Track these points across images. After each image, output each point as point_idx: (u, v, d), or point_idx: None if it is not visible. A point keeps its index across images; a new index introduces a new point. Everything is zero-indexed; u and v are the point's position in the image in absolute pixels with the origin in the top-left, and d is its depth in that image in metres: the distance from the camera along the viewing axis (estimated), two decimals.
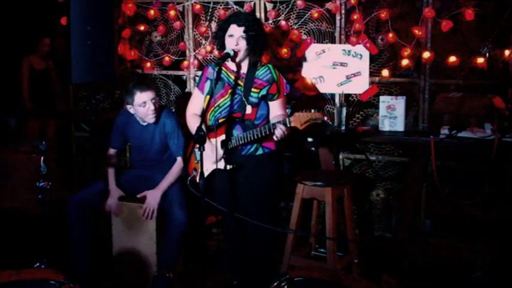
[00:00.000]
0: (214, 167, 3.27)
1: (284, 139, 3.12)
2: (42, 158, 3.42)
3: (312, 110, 3.01)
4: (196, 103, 3.45)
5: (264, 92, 3.26)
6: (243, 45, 3.20)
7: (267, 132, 3.08)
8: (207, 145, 3.12)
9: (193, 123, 3.38)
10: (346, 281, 2.29)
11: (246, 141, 3.19)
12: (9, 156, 4.52)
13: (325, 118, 3.00)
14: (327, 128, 4.08)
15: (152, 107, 3.72)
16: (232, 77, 3.30)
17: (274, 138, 3.09)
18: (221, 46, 3.30)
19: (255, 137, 3.14)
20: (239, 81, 3.29)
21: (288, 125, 2.99)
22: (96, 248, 3.90)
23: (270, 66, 3.31)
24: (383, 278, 3.64)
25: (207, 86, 3.36)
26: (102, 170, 4.07)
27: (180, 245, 3.74)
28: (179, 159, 3.78)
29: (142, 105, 3.71)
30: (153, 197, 3.75)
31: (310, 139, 4.40)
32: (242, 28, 3.19)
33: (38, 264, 3.47)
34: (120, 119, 3.92)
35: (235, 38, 3.20)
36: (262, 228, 3.31)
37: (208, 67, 3.42)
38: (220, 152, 3.24)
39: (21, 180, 4.36)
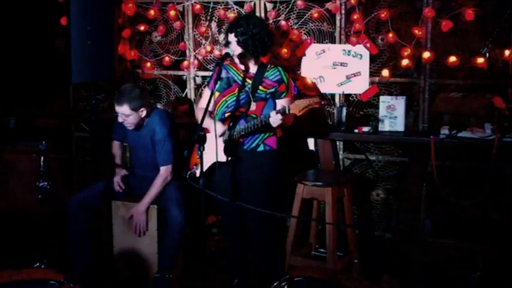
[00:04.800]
0: (211, 161, 3.31)
1: (282, 127, 3.21)
2: (42, 158, 3.42)
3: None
4: (206, 100, 3.50)
5: (272, 90, 3.37)
6: (238, 49, 3.35)
7: (266, 121, 3.17)
8: (209, 138, 3.15)
9: (200, 115, 3.44)
10: (346, 281, 2.29)
11: (246, 132, 3.28)
12: (9, 156, 4.51)
13: (323, 102, 3.07)
14: (325, 115, 4.10)
15: (126, 122, 3.74)
16: (241, 76, 3.42)
17: (272, 124, 3.16)
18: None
19: (255, 127, 3.24)
20: (247, 80, 3.40)
21: (287, 112, 3.06)
22: (97, 248, 3.90)
23: (280, 68, 3.43)
24: (383, 278, 3.64)
25: (216, 85, 3.44)
26: (102, 170, 4.08)
27: (178, 245, 3.74)
28: (162, 169, 3.78)
29: (118, 115, 3.74)
30: (138, 213, 3.76)
31: (311, 147, 4.42)
32: (233, 34, 3.35)
33: (38, 264, 3.47)
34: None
35: (232, 44, 3.37)
36: (261, 227, 3.34)
37: (218, 67, 3.48)
38: (221, 144, 3.31)
39: (21, 180, 4.36)
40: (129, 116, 3.72)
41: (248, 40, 3.31)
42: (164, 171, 3.77)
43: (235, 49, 3.35)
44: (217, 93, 3.43)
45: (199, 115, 3.49)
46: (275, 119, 3.13)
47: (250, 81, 3.38)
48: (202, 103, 3.53)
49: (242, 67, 3.43)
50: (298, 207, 3.78)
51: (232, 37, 3.35)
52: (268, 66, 3.42)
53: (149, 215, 3.80)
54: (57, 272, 2.31)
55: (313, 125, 4.18)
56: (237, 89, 3.40)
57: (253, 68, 3.42)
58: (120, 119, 3.76)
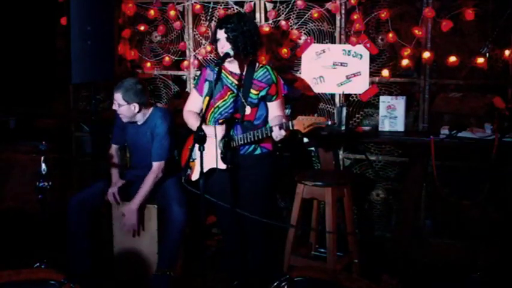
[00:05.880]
0: (209, 166, 3.30)
1: (283, 140, 3.16)
2: (42, 158, 3.42)
3: (315, 114, 3.05)
4: (193, 103, 3.50)
5: (263, 93, 3.30)
6: (227, 47, 3.23)
7: (268, 134, 3.12)
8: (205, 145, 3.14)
9: (189, 118, 3.44)
10: (346, 281, 2.28)
11: (245, 141, 3.23)
12: (9, 156, 4.51)
13: (329, 122, 3.04)
14: (323, 129, 4.11)
15: (119, 111, 3.79)
16: (231, 79, 3.34)
17: (274, 139, 3.12)
18: (217, 51, 3.36)
19: (255, 138, 3.19)
20: (238, 83, 3.31)
21: (291, 128, 3.02)
22: (97, 248, 3.90)
23: (269, 67, 3.34)
24: (383, 278, 3.64)
25: (206, 87, 3.40)
26: (102, 170, 4.08)
27: (179, 244, 3.74)
28: (155, 165, 3.78)
29: (114, 102, 3.80)
30: (129, 212, 3.75)
31: (306, 139, 4.40)
32: (223, 30, 3.24)
33: (38, 264, 3.47)
34: (119, 116, 3.92)
35: (221, 41, 3.26)
36: (260, 227, 3.35)
37: (206, 69, 3.46)
38: (218, 151, 3.27)
39: (21, 180, 4.36)
40: (121, 106, 3.77)
41: (238, 37, 3.21)
42: (157, 167, 3.77)
43: (224, 46, 3.23)
44: (207, 98, 3.35)
45: (188, 118, 3.46)
46: (278, 134, 3.09)
47: (240, 85, 3.30)
48: (191, 106, 3.51)
49: (230, 68, 3.34)
50: (298, 207, 3.78)
51: (221, 33, 3.24)
52: (257, 65, 3.34)
53: (149, 214, 3.80)
54: (57, 272, 2.31)
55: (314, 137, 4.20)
56: (228, 94, 3.32)
57: (242, 69, 3.32)
58: (114, 107, 3.82)
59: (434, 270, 3.93)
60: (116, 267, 3.92)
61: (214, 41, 3.34)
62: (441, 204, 4.08)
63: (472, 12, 3.95)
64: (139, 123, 3.88)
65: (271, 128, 3.13)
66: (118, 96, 3.76)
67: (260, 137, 3.18)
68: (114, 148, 4.07)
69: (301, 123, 3.00)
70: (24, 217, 4.21)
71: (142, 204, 3.77)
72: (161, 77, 4.86)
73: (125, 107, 3.77)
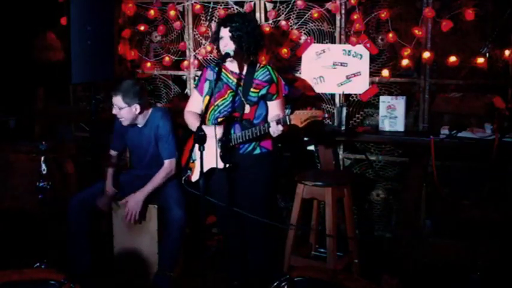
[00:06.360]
0: (209, 165, 3.29)
1: (281, 136, 3.17)
2: (42, 158, 3.42)
3: (313, 108, 3.05)
4: (194, 103, 3.51)
5: (263, 91, 3.30)
6: (231, 46, 3.24)
7: (266, 131, 3.12)
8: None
9: (190, 119, 3.44)
10: (346, 281, 2.29)
11: (244, 139, 3.24)
12: (9, 156, 4.51)
13: (326, 115, 3.05)
14: (325, 126, 4.12)
15: (119, 115, 3.76)
16: (231, 78, 3.34)
17: (272, 134, 3.12)
18: (218, 49, 3.36)
19: (253, 135, 3.19)
20: (238, 82, 3.32)
21: (288, 123, 3.02)
22: (97, 248, 3.90)
23: (269, 67, 3.35)
24: (383, 278, 3.64)
25: (206, 87, 3.41)
26: (102, 170, 4.07)
27: (179, 244, 3.74)
28: (166, 162, 3.78)
29: (113, 107, 3.76)
30: (134, 200, 3.72)
31: (306, 139, 4.41)
32: (228, 29, 3.24)
33: (38, 264, 3.47)
34: (118, 122, 3.90)
35: (224, 39, 3.26)
36: (260, 227, 3.34)
37: (207, 69, 3.47)
38: (218, 150, 3.27)
39: (21, 180, 4.36)
40: (122, 109, 3.73)
41: (243, 36, 3.22)
42: (168, 164, 3.77)
43: (228, 45, 3.23)
44: (207, 97, 3.36)
45: (188, 118, 3.47)
46: (275, 129, 3.08)
47: (241, 83, 3.31)
48: (191, 106, 3.53)
49: (231, 67, 3.35)
50: (298, 207, 3.78)
51: (226, 32, 3.24)
52: (258, 65, 3.35)
53: (149, 214, 3.81)
54: (57, 272, 2.31)
55: (314, 134, 4.19)
56: (228, 93, 3.33)
57: (243, 68, 3.33)
58: (114, 111, 3.78)
59: (434, 270, 3.93)
60: (116, 267, 3.92)
61: (216, 39, 3.33)
62: (441, 204, 4.08)
63: (472, 12, 3.95)
64: (140, 125, 3.87)
65: (268, 124, 3.12)
66: (118, 100, 3.72)
67: (258, 133, 3.17)
68: (112, 154, 4.07)
69: (298, 117, 3.01)
70: (24, 217, 4.21)
71: (146, 201, 3.74)
72: (161, 77, 4.86)
73: (125, 110, 3.74)
